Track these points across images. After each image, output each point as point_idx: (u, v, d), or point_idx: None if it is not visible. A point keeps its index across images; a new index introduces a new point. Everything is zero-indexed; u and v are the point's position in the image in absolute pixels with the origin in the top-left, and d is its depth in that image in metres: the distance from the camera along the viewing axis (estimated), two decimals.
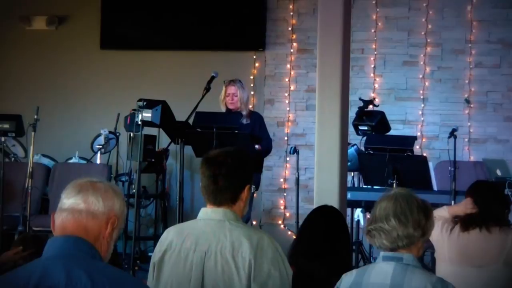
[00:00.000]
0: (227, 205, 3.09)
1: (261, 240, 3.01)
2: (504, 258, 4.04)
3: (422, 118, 8.77)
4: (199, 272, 3.03)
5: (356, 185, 7.69)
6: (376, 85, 8.88)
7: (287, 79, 9.08)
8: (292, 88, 9.05)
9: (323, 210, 3.84)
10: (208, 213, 3.12)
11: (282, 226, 8.96)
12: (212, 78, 7.15)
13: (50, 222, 2.43)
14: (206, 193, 3.12)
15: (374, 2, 8.90)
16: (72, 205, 2.38)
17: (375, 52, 8.89)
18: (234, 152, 3.18)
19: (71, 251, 2.32)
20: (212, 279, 3.00)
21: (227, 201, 3.09)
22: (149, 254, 7.72)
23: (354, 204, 7.10)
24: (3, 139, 7.30)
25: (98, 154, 8.40)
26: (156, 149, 8.05)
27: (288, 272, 3.03)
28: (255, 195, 7.58)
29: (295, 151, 7.84)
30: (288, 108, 9.05)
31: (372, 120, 7.25)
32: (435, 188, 7.05)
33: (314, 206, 4.19)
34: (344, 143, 5.31)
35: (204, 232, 3.06)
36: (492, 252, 4.07)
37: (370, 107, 7.55)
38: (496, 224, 4.13)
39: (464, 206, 4.23)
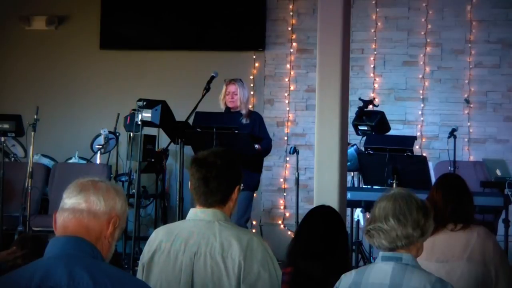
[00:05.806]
0: (217, 206, 3.10)
1: (251, 241, 3.02)
2: (468, 255, 4.04)
3: (422, 118, 8.77)
4: (189, 273, 3.03)
5: (356, 185, 7.69)
6: (376, 85, 8.87)
7: (287, 79, 9.08)
8: (292, 88, 9.05)
9: (321, 210, 3.82)
10: (197, 213, 3.13)
11: (282, 226, 8.96)
12: (212, 78, 7.15)
13: (50, 222, 2.43)
14: (196, 195, 3.13)
15: (374, 2, 8.90)
16: (73, 205, 2.38)
17: (375, 52, 8.89)
18: (223, 153, 3.18)
19: (73, 251, 2.31)
20: (202, 280, 3.01)
21: (218, 202, 3.10)
22: None
23: (353, 204, 7.10)
24: (3, 139, 7.31)
25: (98, 154, 8.40)
26: (156, 149, 8.05)
27: (278, 273, 3.04)
28: (254, 195, 7.58)
29: (295, 151, 7.84)
30: (288, 108, 9.05)
31: (372, 120, 7.25)
32: None
33: (314, 206, 4.18)
34: (344, 143, 5.31)
35: (194, 233, 3.06)
36: (457, 249, 4.06)
37: (370, 107, 7.55)
38: (463, 220, 4.09)
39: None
